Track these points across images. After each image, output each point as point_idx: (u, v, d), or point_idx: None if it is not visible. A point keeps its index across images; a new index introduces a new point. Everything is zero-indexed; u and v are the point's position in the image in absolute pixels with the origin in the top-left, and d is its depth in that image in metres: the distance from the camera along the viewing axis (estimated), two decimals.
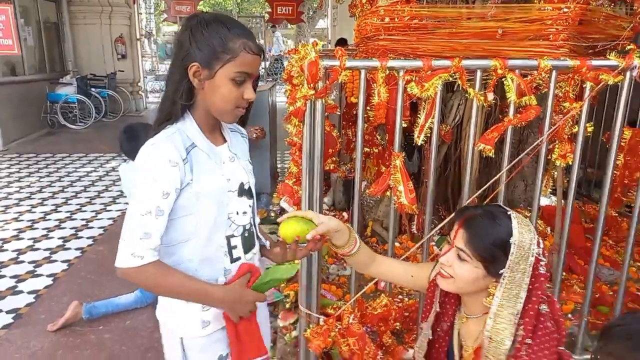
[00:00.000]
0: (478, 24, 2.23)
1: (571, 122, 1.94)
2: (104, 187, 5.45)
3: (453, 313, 1.30)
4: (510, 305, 1.12)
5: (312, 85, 1.70)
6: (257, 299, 1.24)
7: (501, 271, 1.12)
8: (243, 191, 1.24)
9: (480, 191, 1.92)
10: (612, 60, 1.79)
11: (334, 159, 2.09)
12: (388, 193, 1.95)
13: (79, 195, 5.16)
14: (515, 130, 1.91)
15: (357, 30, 2.74)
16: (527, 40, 2.19)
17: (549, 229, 3.36)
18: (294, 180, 2.03)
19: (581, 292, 2.64)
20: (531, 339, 1.10)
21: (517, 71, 1.78)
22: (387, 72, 1.78)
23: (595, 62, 1.80)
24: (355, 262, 1.41)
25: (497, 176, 1.90)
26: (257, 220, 1.35)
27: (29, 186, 5.44)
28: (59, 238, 3.97)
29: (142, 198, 1.09)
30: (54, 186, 5.46)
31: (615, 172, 2.01)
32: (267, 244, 1.40)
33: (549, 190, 2.72)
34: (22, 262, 3.52)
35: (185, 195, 1.13)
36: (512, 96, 1.78)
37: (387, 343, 2.03)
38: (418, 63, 1.77)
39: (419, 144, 1.90)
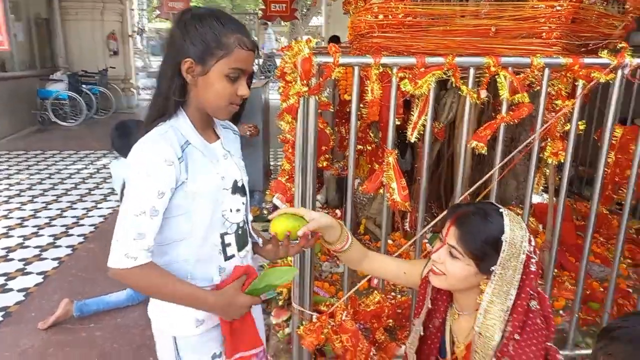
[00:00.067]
0: (471, 21, 2.23)
1: (563, 120, 1.95)
2: (95, 185, 5.41)
3: (445, 310, 1.31)
4: (500, 301, 1.13)
5: (305, 82, 1.69)
6: (252, 303, 1.22)
7: (492, 268, 1.13)
8: (237, 189, 1.23)
9: (472, 188, 1.92)
10: (604, 58, 1.80)
11: (327, 156, 2.09)
12: (381, 190, 1.95)
13: (69, 192, 5.12)
14: (507, 128, 1.92)
15: (350, 28, 2.74)
16: (520, 38, 2.20)
17: (540, 226, 3.38)
18: (287, 177, 2.02)
19: (572, 288, 2.66)
20: (519, 334, 1.10)
21: (510, 69, 1.79)
22: (381, 69, 1.77)
23: (588, 60, 1.81)
24: (348, 258, 1.41)
25: (490, 174, 1.90)
26: (250, 217, 1.34)
27: (18, 183, 5.39)
28: (49, 235, 3.94)
29: (136, 198, 1.06)
30: (45, 183, 5.42)
31: (606, 169, 2.03)
32: (260, 241, 1.39)
33: (541, 188, 2.74)
34: (12, 259, 3.49)
35: (180, 194, 1.11)
36: (504, 94, 1.78)
37: (380, 340, 2.03)
38: (411, 60, 1.76)
39: (412, 142, 1.90)
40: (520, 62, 1.82)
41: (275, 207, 2.13)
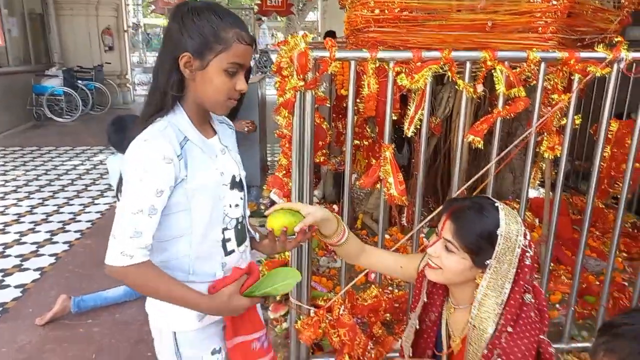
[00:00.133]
0: (468, 16, 2.23)
1: (559, 115, 1.95)
2: (91, 181, 5.39)
3: (441, 304, 1.31)
4: (495, 295, 1.13)
5: (301, 76, 1.69)
6: (250, 305, 1.19)
7: (487, 262, 1.13)
8: (235, 184, 1.23)
9: (469, 183, 1.93)
10: (600, 52, 1.81)
11: (324, 151, 2.09)
12: (378, 185, 1.96)
13: (66, 188, 5.10)
14: (504, 122, 1.93)
15: (347, 22, 2.73)
16: (516, 32, 2.20)
17: (537, 220, 3.39)
18: (284, 172, 2.02)
19: (568, 282, 2.67)
20: (512, 327, 1.11)
21: (506, 63, 1.79)
22: (377, 63, 1.77)
23: (584, 54, 1.82)
24: (345, 252, 1.42)
25: (486, 168, 1.91)
26: (248, 212, 1.34)
27: (14, 179, 5.37)
28: (46, 232, 3.93)
29: (134, 196, 1.05)
30: (41, 179, 5.40)
31: (602, 164, 2.04)
32: (257, 236, 1.39)
33: (537, 182, 2.75)
34: (9, 256, 3.48)
35: (179, 192, 1.10)
36: (501, 88, 1.79)
37: (378, 334, 2.04)
38: (408, 54, 1.76)
39: (409, 137, 1.90)
40: (517, 57, 1.83)
41: (273, 202, 2.13)
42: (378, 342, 2.02)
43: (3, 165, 5.98)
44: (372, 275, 2.52)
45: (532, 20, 2.17)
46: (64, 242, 3.72)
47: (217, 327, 1.26)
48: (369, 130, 2.78)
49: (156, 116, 1.12)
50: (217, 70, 1.09)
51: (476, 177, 1.90)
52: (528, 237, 1.16)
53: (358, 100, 1.96)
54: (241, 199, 1.26)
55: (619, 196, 2.12)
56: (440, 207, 1.30)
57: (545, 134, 1.99)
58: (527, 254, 1.14)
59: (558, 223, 2.09)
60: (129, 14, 14.49)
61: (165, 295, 1.12)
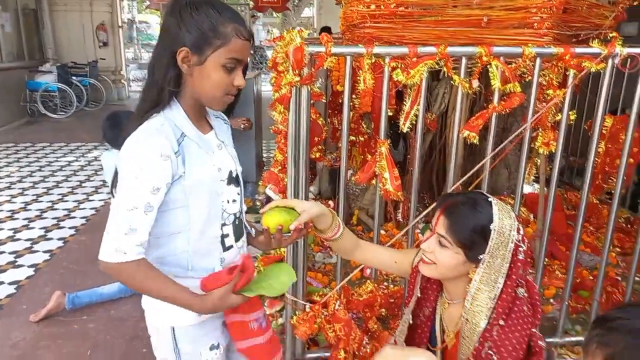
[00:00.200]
0: (463, 11, 2.23)
1: (554, 110, 1.96)
2: (86, 177, 5.37)
3: (435, 299, 1.32)
4: (488, 289, 1.14)
5: (297, 71, 1.69)
6: (243, 301, 1.16)
7: (481, 256, 1.14)
8: (231, 179, 1.22)
9: (464, 178, 1.93)
10: (595, 47, 1.81)
11: (319, 147, 2.08)
12: (374, 181, 1.96)
13: (60, 185, 5.08)
14: (499, 118, 1.93)
15: (342, 18, 2.73)
16: (511, 28, 2.20)
17: (531, 216, 3.41)
18: (280, 168, 2.02)
19: (562, 277, 2.69)
20: (504, 320, 1.12)
21: (501, 58, 1.79)
22: (373, 59, 1.77)
23: (579, 50, 1.82)
24: (339, 247, 1.42)
25: (481, 163, 1.91)
26: (244, 208, 1.34)
27: (8, 176, 5.33)
28: (40, 228, 3.91)
29: (129, 193, 1.03)
30: (35, 176, 5.37)
31: (596, 159, 2.04)
32: (253, 232, 1.39)
33: (532, 177, 2.76)
34: (3, 252, 3.46)
35: (177, 188, 1.09)
36: (496, 83, 1.79)
37: (373, 329, 2.05)
38: (404, 50, 1.76)
39: (405, 133, 1.90)
40: (512, 52, 1.83)
41: (269, 198, 2.13)
42: (373, 337, 2.03)
43: None
44: (368, 271, 2.52)
45: (527, 16, 2.17)
46: (59, 239, 3.71)
47: (216, 323, 1.26)
48: (364, 126, 2.77)
49: (152, 112, 1.10)
50: (215, 66, 1.08)
51: (471, 172, 1.90)
52: (521, 231, 1.17)
53: (354, 96, 1.96)
54: (238, 194, 1.25)
55: (612, 191, 2.13)
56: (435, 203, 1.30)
57: (540, 129, 1.99)
58: (520, 248, 1.15)
59: (552, 218, 2.10)
60: (124, 9, 14.40)
61: (158, 293, 1.10)
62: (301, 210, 1.25)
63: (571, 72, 1.85)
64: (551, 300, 2.59)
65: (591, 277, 2.71)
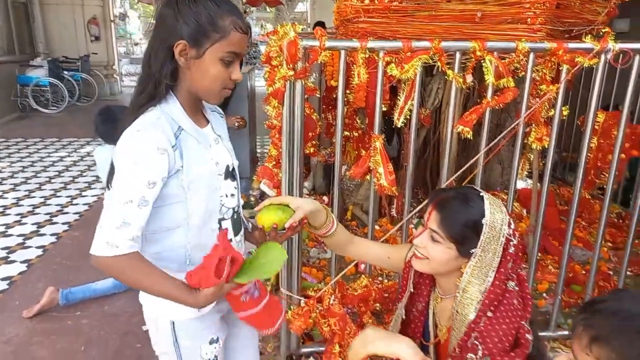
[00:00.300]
0: (457, 6, 2.23)
1: (547, 106, 1.97)
2: (78, 172, 5.33)
3: (428, 294, 1.32)
4: (479, 283, 1.14)
5: (291, 65, 1.68)
6: (235, 286, 1.14)
7: (472, 250, 1.14)
8: (228, 174, 1.21)
9: (457, 174, 1.94)
10: (588, 43, 1.82)
11: (314, 142, 2.08)
12: (368, 177, 1.96)
13: (52, 180, 5.04)
14: (492, 114, 1.94)
15: (336, 13, 2.72)
16: (505, 23, 2.21)
17: (525, 211, 3.43)
18: (274, 163, 2.01)
19: (555, 271, 2.71)
20: (492, 312, 1.12)
21: (495, 53, 1.80)
22: (367, 53, 1.77)
23: (572, 45, 1.83)
24: (333, 243, 1.42)
25: (475, 159, 1.92)
26: (241, 202, 1.33)
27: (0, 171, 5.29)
28: (32, 224, 3.88)
29: (125, 186, 1.02)
30: (27, 171, 5.32)
31: (589, 154, 2.06)
32: (249, 226, 1.38)
33: (525, 173, 2.78)
34: None
35: (175, 183, 1.08)
36: (490, 78, 1.80)
37: (368, 323, 2.05)
38: (398, 44, 1.76)
39: (398, 128, 1.91)
40: (506, 47, 1.83)
41: (263, 193, 2.13)
42: None
43: None
44: (362, 266, 2.53)
45: (521, 12, 2.18)
46: (51, 234, 3.69)
47: (215, 317, 1.25)
48: (358, 121, 2.77)
49: (148, 105, 1.09)
50: (213, 59, 1.06)
51: (465, 167, 1.91)
52: (512, 226, 1.17)
53: (348, 92, 1.96)
54: (235, 188, 1.24)
55: (604, 187, 2.14)
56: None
57: (534, 125, 2.00)
58: (511, 242, 1.15)
59: (545, 214, 2.12)
60: (115, 3, 14.25)
61: (152, 288, 1.08)
62: (295, 207, 1.25)
63: (564, 68, 1.85)
64: (544, 295, 2.61)
65: (583, 272, 2.73)
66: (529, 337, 1.12)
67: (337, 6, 2.67)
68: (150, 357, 1.30)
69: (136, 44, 21.68)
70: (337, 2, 2.69)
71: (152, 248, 1.13)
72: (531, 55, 1.83)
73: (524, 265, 2.24)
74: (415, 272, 1.31)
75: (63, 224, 3.90)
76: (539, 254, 2.63)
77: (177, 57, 1.06)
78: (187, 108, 1.13)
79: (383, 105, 1.88)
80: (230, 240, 1.22)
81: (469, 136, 1.84)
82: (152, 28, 1.15)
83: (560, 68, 1.88)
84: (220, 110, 1.33)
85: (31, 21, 9.72)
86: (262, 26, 22.45)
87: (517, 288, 1.18)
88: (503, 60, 1.82)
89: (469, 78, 1.82)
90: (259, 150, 5.78)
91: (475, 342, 1.10)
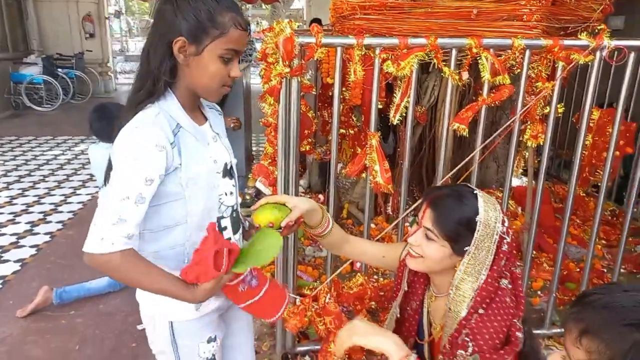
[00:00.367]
0: (453, 3, 2.23)
1: (543, 103, 1.97)
2: (73, 171, 5.30)
3: (422, 292, 1.32)
4: (472, 280, 1.14)
5: (287, 62, 1.67)
6: (232, 276, 1.13)
7: (466, 248, 1.14)
8: (226, 172, 1.20)
9: (453, 171, 1.94)
10: (583, 40, 1.82)
11: (309, 140, 2.08)
12: (364, 175, 1.96)
13: (46, 178, 5.01)
14: (488, 111, 1.93)
15: (332, 10, 2.71)
16: (501, 20, 2.21)
17: (519, 208, 3.44)
18: (270, 161, 2.01)
19: (550, 269, 2.72)
20: (484, 309, 1.12)
21: (491, 50, 1.79)
22: (364, 50, 1.76)
23: (567, 42, 1.83)
24: (329, 242, 1.42)
25: (470, 156, 1.92)
26: (239, 200, 1.33)
27: None
28: (26, 222, 3.86)
29: (122, 183, 1.01)
30: (20, 170, 5.29)
31: (583, 152, 2.06)
32: (246, 224, 1.38)
33: (520, 170, 2.78)
34: None
35: (173, 180, 1.07)
36: (486, 75, 1.79)
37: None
38: (394, 41, 1.76)
39: (394, 126, 1.90)
40: (502, 44, 1.83)
41: (259, 192, 2.12)
42: None
43: None
44: (358, 264, 2.53)
45: (517, 9, 2.18)
46: (45, 233, 3.66)
47: (213, 316, 1.25)
48: (354, 119, 2.77)
49: (146, 102, 1.07)
50: (212, 56, 1.05)
51: (460, 165, 1.91)
52: (506, 223, 1.17)
53: (344, 89, 1.95)
54: (233, 186, 1.24)
55: (599, 184, 2.15)
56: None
57: (529, 122, 2.00)
58: (505, 240, 1.15)
59: (540, 211, 2.12)
60: (110, 0, 14.18)
61: (149, 286, 1.07)
62: (292, 206, 1.24)
63: (560, 65, 1.85)
64: (539, 293, 2.62)
65: (578, 270, 2.74)
66: (520, 335, 1.12)
67: (333, 3, 2.66)
68: (146, 356, 1.30)
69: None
70: None
71: (151, 247, 1.12)
72: (527, 52, 1.83)
73: (518, 263, 2.25)
74: (409, 270, 1.31)
75: (57, 222, 3.88)
76: (534, 252, 2.64)
77: (176, 54, 1.05)
78: (186, 105, 1.12)
79: (379, 103, 1.88)
80: (230, 239, 1.21)
81: (464, 134, 1.84)
82: (147, 25, 1.13)
83: (556, 65, 1.88)
84: (218, 108, 1.32)
85: (25, 18, 9.64)
86: (258, 23, 22.40)
87: (510, 286, 1.18)
88: (499, 57, 1.81)
89: (465, 75, 1.82)
90: (254, 148, 5.77)
91: (466, 338, 1.10)
